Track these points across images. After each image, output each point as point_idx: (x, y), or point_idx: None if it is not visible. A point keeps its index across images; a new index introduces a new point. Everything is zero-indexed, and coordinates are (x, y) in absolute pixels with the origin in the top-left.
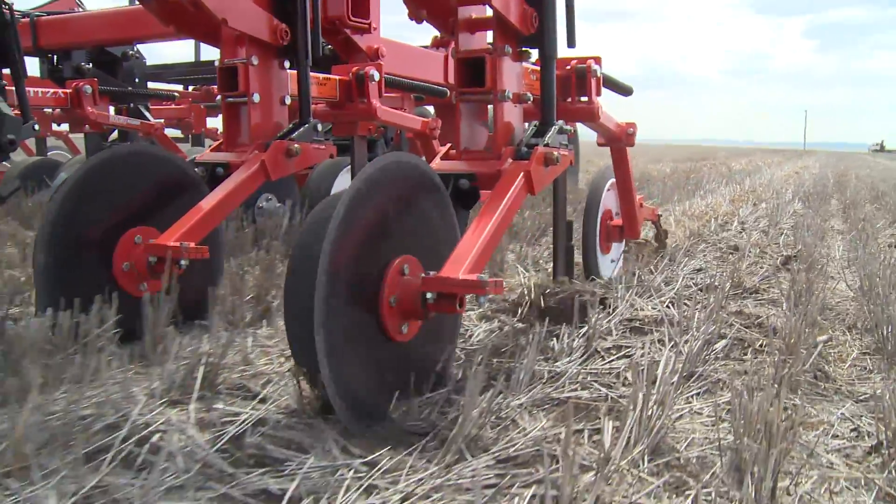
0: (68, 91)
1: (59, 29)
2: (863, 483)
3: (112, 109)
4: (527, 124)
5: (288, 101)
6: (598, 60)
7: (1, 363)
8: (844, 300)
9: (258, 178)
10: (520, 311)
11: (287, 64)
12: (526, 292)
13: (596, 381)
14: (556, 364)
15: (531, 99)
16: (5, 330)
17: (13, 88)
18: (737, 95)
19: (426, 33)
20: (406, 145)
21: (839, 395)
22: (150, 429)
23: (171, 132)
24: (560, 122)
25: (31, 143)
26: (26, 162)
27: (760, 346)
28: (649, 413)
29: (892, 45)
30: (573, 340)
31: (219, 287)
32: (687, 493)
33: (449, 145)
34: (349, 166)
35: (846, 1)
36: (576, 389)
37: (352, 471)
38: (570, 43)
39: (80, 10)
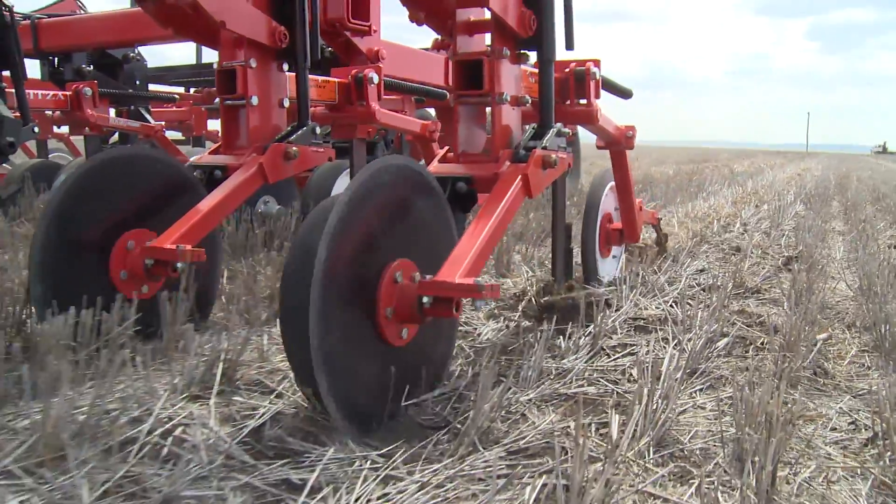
0: (68, 93)
1: (60, 31)
2: (859, 472)
3: (112, 112)
4: (526, 127)
5: (287, 103)
6: (597, 63)
7: (27, 359)
8: (844, 299)
9: (256, 180)
10: (526, 311)
11: (286, 66)
12: (530, 290)
13: (602, 378)
14: (563, 361)
15: (529, 101)
16: (30, 327)
17: (13, 91)
18: (739, 97)
19: (427, 35)
20: (407, 148)
21: (838, 390)
22: (173, 422)
23: (173, 134)
24: (558, 124)
25: (31, 145)
26: (26, 164)
27: (762, 343)
28: (654, 407)
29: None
30: (579, 339)
31: (219, 289)
32: (691, 481)
33: (447, 148)
34: (349, 169)
35: (848, 2)
36: (583, 385)
37: (368, 462)
38: (569, 45)
39: (82, 12)
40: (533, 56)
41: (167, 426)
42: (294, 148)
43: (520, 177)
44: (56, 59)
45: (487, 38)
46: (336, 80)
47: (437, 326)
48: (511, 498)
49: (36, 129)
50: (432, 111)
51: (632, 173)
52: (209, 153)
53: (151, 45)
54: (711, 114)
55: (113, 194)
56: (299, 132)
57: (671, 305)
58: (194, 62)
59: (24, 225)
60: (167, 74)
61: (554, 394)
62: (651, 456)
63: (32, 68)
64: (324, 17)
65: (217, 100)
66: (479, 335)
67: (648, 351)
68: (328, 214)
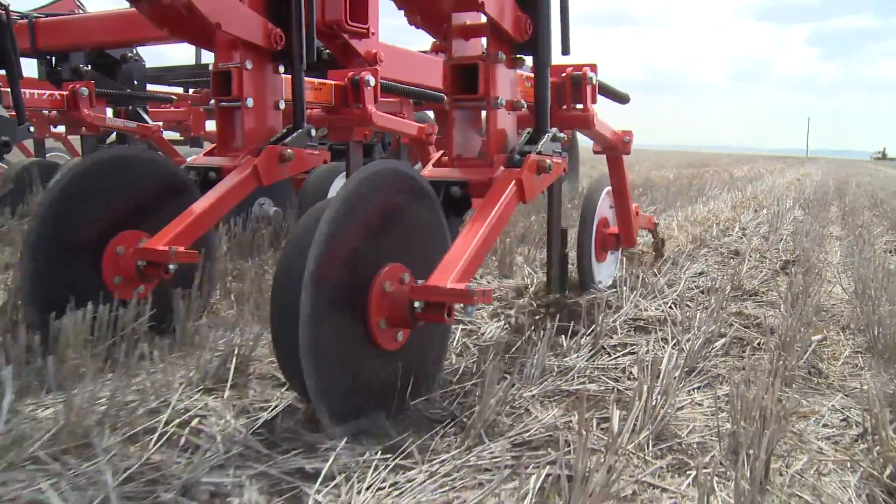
0: (65, 93)
1: (58, 30)
2: (849, 465)
3: (110, 112)
4: (523, 131)
5: (282, 105)
6: (593, 68)
7: (46, 352)
8: (839, 302)
9: (250, 182)
10: (519, 313)
11: (282, 68)
12: (531, 287)
13: (603, 375)
14: (566, 359)
15: (525, 106)
16: (48, 322)
17: (9, 90)
18: (740, 102)
19: (426, 38)
20: (404, 151)
21: (831, 389)
22: (189, 413)
23: (171, 135)
24: (554, 129)
25: (29, 144)
26: (22, 163)
27: (758, 344)
28: (654, 403)
29: None
30: (581, 338)
31: (216, 289)
32: (688, 472)
33: (441, 152)
34: (345, 171)
35: (849, 9)
36: (584, 382)
37: (378, 452)
38: (565, 50)
39: (81, 11)
40: (529, 60)
41: (184, 417)
42: (289, 150)
43: (514, 182)
44: (53, 58)
45: (484, 41)
46: (332, 82)
47: (429, 329)
48: (516, 487)
49: (32, 129)
50: (431, 114)
51: (631, 177)
52: (204, 155)
53: (150, 46)
54: (712, 118)
55: (106, 195)
56: (294, 134)
57: (670, 307)
58: (193, 63)
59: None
60: (166, 75)
61: (556, 390)
62: (650, 449)
63: (30, 67)
64: (322, 18)
65: (212, 101)
66: (482, 333)
67: (648, 350)
68: (320, 218)
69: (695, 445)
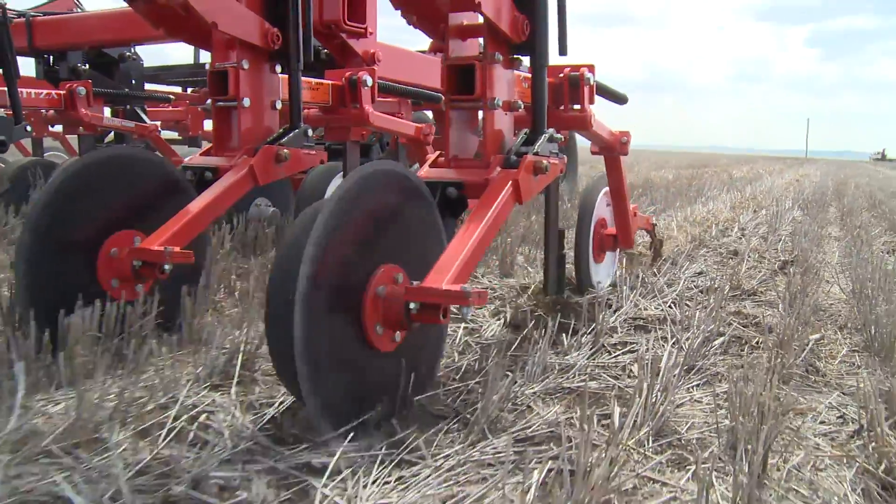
0: (62, 92)
1: (55, 29)
2: (845, 461)
3: (108, 111)
4: (520, 132)
5: (279, 105)
6: (591, 68)
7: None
8: (837, 302)
9: (246, 182)
10: (530, 310)
11: (279, 68)
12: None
13: (604, 373)
14: (567, 358)
15: (522, 107)
16: (45, 320)
17: (5, 89)
18: (740, 102)
19: (425, 37)
20: (403, 151)
21: (828, 387)
22: (197, 409)
23: (169, 134)
24: (550, 130)
25: (27, 143)
26: (20, 162)
27: (756, 343)
28: (653, 400)
29: None
30: (581, 336)
31: (207, 286)
32: (687, 467)
33: (438, 153)
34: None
35: (849, 9)
36: (585, 380)
37: (383, 447)
38: (562, 51)
39: (79, 10)
40: (526, 61)
41: (192, 413)
42: (285, 150)
43: (510, 183)
44: (51, 57)
45: (481, 42)
46: (330, 82)
47: (425, 330)
48: (519, 481)
49: (28, 128)
50: (430, 114)
51: (631, 178)
52: (200, 154)
53: (150, 45)
54: (711, 119)
55: (101, 195)
56: (291, 134)
57: (670, 306)
58: (192, 62)
59: None
60: (164, 74)
61: (558, 387)
62: (650, 444)
63: (28, 66)
64: (320, 18)
65: (208, 101)
66: (484, 332)
67: (648, 348)
68: (315, 219)
69: (694, 441)
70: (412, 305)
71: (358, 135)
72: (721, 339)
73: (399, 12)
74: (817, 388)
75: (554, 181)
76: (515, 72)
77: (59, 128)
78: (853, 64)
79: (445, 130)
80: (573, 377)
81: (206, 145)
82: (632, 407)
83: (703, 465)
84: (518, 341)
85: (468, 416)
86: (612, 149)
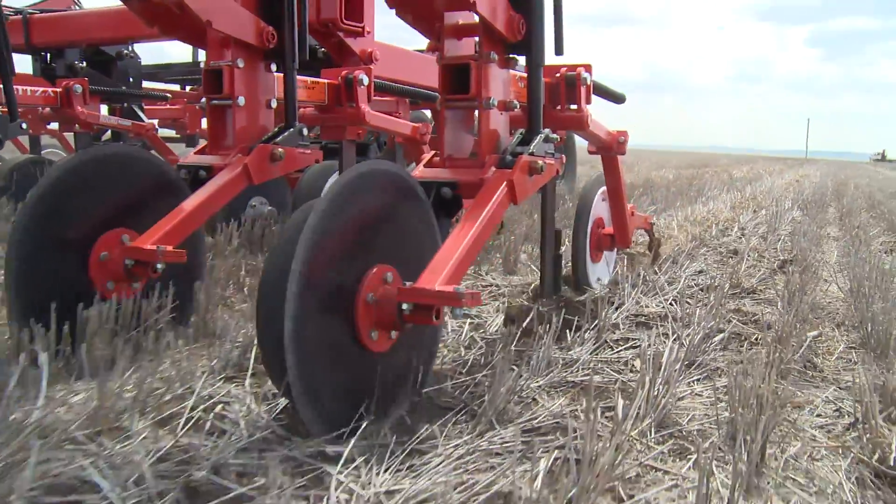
0: (58, 90)
1: (52, 27)
2: (840, 452)
3: (105, 109)
4: (520, 131)
5: (274, 104)
6: (588, 68)
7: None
8: (835, 301)
9: (240, 181)
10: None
11: (274, 67)
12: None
13: (607, 367)
14: (570, 352)
15: (518, 106)
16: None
17: (1, 86)
18: (740, 102)
19: (423, 37)
20: (400, 150)
21: (825, 382)
22: (213, 400)
23: (167, 133)
24: (546, 130)
25: (25, 140)
26: (17, 160)
27: (756, 339)
28: (655, 392)
29: None
30: (584, 332)
31: (203, 284)
32: (689, 456)
33: (433, 152)
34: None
35: (850, 10)
36: (588, 374)
37: (395, 436)
38: (558, 50)
39: (76, 7)
40: (522, 61)
41: (208, 403)
42: (280, 149)
43: (505, 183)
44: (48, 54)
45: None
46: (326, 81)
47: (418, 330)
48: (527, 469)
49: (24, 126)
50: (429, 113)
51: (632, 178)
52: (195, 153)
53: (149, 43)
54: (711, 119)
55: (94, 193)
56: (286, 133)
57: (671, 303)
58: (191, 60)
59: None
60: (162, 72)
61: (562, 381)
62: (652, 435)
63: (25, 64)
64: (317, 17)
65: (204, 99)
66: (488, 326)
67: (650, 344)
68: (307, 219)
69: (695, 432)
70: (405, 306)
71: (354, 134)
72: (721, 335)
73: (394, 11)
74: (814, 383)
75: (551, 181)
76: (511, 71)
77: (56, 125)
78: (853, 64)
79: (440, 130)
80: (577, 371)
81: (203, 143)
82: (634, 399)
83: (703, 455)
84: (519, 335)
85: (476, 407)
86: (610, 148)
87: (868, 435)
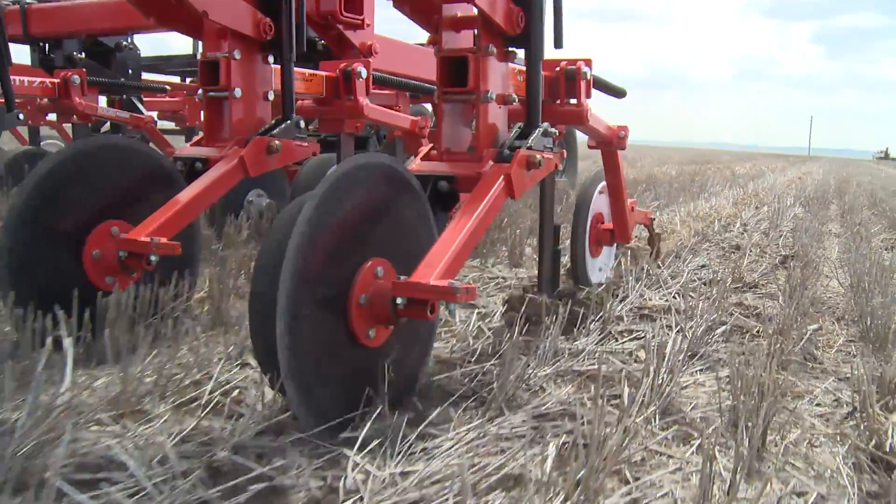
0: (56, 81)
1: (50, 17)
2: (838, 439)
3: (104, 101)
4: (518, 125)
5: (271, 96)
6: (588, 62)
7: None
8: (835, 295)
9: (236, 174)
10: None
11: (271, 59)
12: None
13: (612, 357)
14: (576, 343)
15: (516, 100)
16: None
17: None
18: (743, 99)
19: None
20: (400, 143)
21: (825, 373)
22: (230, 385)
23: (166, 125)
24: (545, 124)
25: (24, 132)
26: (15, 151)
27: (757, 332)
28: (660, 381)
29: None
30: (590, 323)
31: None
32: (692, 442)
33: (430, 146)
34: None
35: (854, 7)
36: (595, 363)
37: (406, 420)
38: (558, 44)
39: None
40: (521, 54)
41: (225, 388)
42: (276, 142)
43: (502, 177)
44: (47, 45)
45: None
46: (324, 73)
47: (413, 325)
48: (536, 453)
49: (21, 116)
50: (430, 107)
51: (635, 173)
52: (191, 145)
53: (149, 34)
54: (714, 115)
55: (86, 185)
56: (283, 126)
57: (674, 297)
58: (191, 51)
59: None
60: (162, 64)
61: (569, 370)
62: (657, 422)
63: (24, 54)
64: (316, 9)
65: (200, 91)
66: (494, 316)
67: (654, 335)
68: (300, 211)
69: (698, 419)
70: (399, 300)
71: (352, 127)
72: (723, 327)
73: (391, 3)
74: (814, 374)
75: (549, 176)
76: (510, 65)
77: (53, 116)
78: (857, 62)
79: (438, 123)
80: (583, 361)
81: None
82: (640, 387)
83: (706, 440)
84: (526, 326)
85: (485, 394)
86: (610, 143)
87: (865, 423)
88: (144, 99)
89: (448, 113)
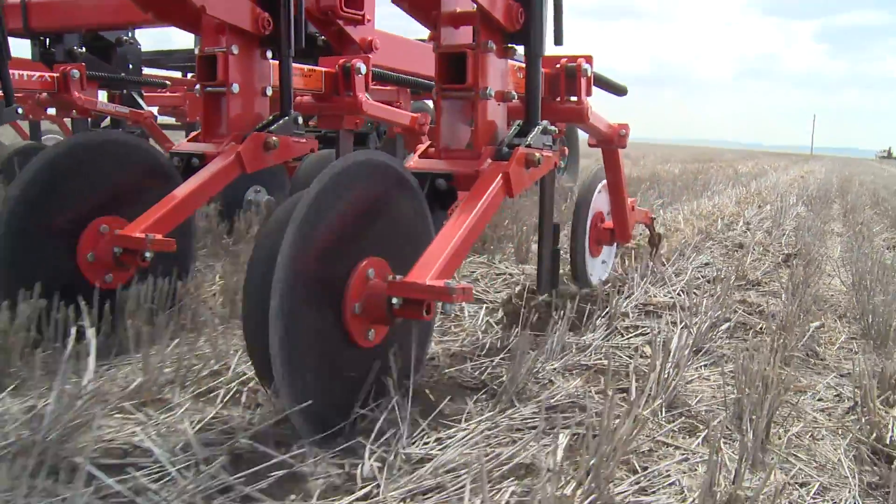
0: (55, 75)
1: (51, 11)
2: (840, 432)
3: (104, 96)
4: (517, 123)
5: (270, 92)
6: (588, 59)
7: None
8: (838, 293)
9: (233, 170)
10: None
11: (270, 54)
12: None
13: (618, 352)
14: (583, 338)
15: (515, 97)
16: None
17: None
18: (745, 98)
19: (421, 25)
20: (400, 140)
21: (827, 369)
22: (247, 375)
23: (167, 120)
24: (545, 122)
25: (25, 126)
26: (15, 146)
27: (760, 328)
28: (666, 375)
29: None
30: (596, 319)
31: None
32: (698, 434)
33: (428, 143)
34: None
35: (858, 5)
36: (601, 358)
37: (418, 411)
38: (558, 41)
39: None
40: (521, 51)
41: (243, 378)
42: (274, 138)
43: (501, 175)
44: (47, 39)
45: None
46: (323, 69)
47: (408, 324)
48: (546, 443)
49: (20, 110)
50: (431, 103)
51: (638, 171)
52: (188, 140)
53: (151, 28)
54: (716, 113)
55: (82, 180)
56: (280, 122)
57: (679, 294)
58: (193, 46)
59: None
60: (163, 59)
61: (577, 364)
62: (664, 415)
63: (24, 48)
64: (316, 4)
65: (198, 86)
66: (499, 310)
67: (660, 331)
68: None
69: (703, 412)
70: (395, 300)
71: (351, 123)
72: (727, 324)
73: None
74: (816, 370)
75: (549, 174)
76: (510, 62)
77: (53, 110)
78: (861, 60)
79: (436, 120)
80: (590, 355)
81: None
82: (646, 381)
83: (712, 431)
84: (535, 321)
85: (495, 387)
86: (610, 141)
87: (866, 417)
88: (145, 94)
89: (446, 110)
